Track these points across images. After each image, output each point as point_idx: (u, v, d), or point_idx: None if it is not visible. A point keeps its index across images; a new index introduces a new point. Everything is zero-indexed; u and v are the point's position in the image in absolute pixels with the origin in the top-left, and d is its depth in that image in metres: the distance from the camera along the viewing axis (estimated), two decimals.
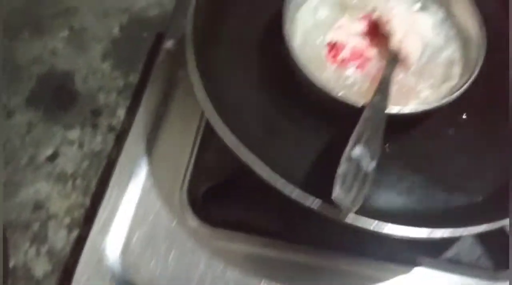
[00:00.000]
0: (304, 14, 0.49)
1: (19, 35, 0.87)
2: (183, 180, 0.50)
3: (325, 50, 0.48)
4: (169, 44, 0.59)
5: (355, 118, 0.41)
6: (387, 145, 0.44)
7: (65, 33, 0.88)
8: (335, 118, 0.45)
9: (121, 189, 0.50)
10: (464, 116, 0.46)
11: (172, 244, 0.47)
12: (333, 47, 0.48)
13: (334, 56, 0.47)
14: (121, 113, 0.81)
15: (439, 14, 0.50)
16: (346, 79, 0.46)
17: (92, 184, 0.75)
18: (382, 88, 0.42)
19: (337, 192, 0.34)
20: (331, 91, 0.42)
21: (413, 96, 0.45)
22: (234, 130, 0.39)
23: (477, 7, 0.46)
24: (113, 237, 0.49)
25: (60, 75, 0.84)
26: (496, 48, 0.46)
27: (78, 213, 0.72)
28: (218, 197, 0.49)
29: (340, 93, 0.43)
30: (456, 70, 0.46)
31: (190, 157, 0.51)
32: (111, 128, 0.79)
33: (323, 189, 0.38)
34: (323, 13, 0.50)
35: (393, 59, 0.46)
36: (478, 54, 0.45)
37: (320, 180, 0.39)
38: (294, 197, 0.38)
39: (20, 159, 0.76)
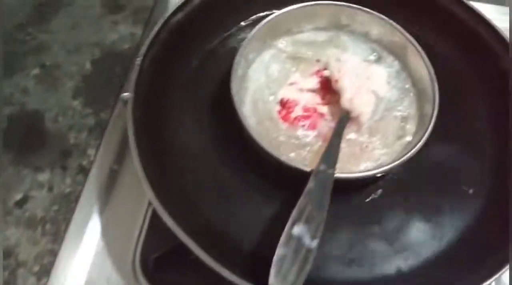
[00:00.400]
0: (257, 71, 0.47)
1: None
2: (136, 244, 0.48)
3: (276, 108, 0.46)
4: (125, 96, 0.57)
5: (305, 183, 0.39)
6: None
7: (36, 70, 0.87)
8: (286, 184, 0.43)
9: (74, 249, 0.49)
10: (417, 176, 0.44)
11: None
12: (285, 105, 0.46)
13: (286, 115, 0.46)
14: (91, 152, 0.79)
15: (395, 66, 0.48)
16: (297, 139, 0.44)
17: (61, 229, 0.74)
18: (329, 153, 0.41)
19: (272, 281, 0.33)
20: (279, 155, 0.40)
21: (365, 156, 0.43)
22: (173, 213, 0.38)
23: (428, 59, 0.44)
24: None
25: (31, 115, 0.83)
26: (451, 102, 0.44)
27: (48, 260, 0.71)
28: (171, 263, 0.47)
29: (289, 155, 0.41)
30: (411, 127, 0.44)
31: (144, 220, 0.49)
32: (81, 169, 0.78)
33: (262, 274, 0.36)
34: (275, 68, 0.48)
35: (344, 118, 0.44)
36: (432, 108, 0.43)
37: (260, 262, 0.38)
38: (234, 281, 0.36)
39: None
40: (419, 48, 0.46)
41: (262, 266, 0.41)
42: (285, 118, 0.45)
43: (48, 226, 0.74)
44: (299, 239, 0.34)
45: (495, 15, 0.60)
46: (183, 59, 0.50)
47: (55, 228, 0.74)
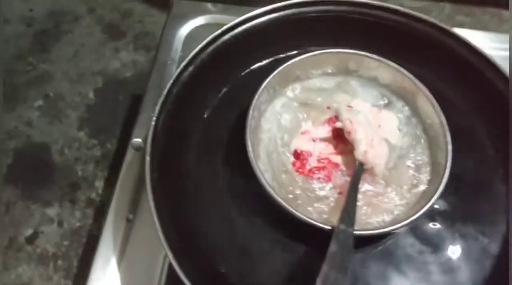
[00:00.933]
0: (268, 121, 0.48)
1: None
2: None
3: (291, 159, 0.47)
4: (136, 142, 0.57)
5: (327, 240, 0.40)
6: None
7: (39, 102, 0.87)
8: (304, 238, 0.44)
9: None
10: (434, 225, 0.45)
11: None
12: (299, 156, 0.47)
13: (301, 166, 0.46)
14: (99, 185, 0.80)
15: (405, 112, 0.49)
16: (314, 192, 0.45)
17: (73, 264, 0.74)
18: (348, 211, 0.41)
19: None
20: (299, 213, 0.41)
21: (381, 208, 0.44)
22: (190, 274, 0.38)
23: (438, 105, 0.45)
24: None
25: (37, 148, 0.83)
26: (463, 148, 0.45)
27: None
28: None
29: (307, 209, 0.42)
30: (424, 175, 0.45)
31: (162, 271, 0.50)
32: (89, 202, 0.79)
33: None
34: (287, 118, 0.48)
35: (359, 170, 0.45)
36: (445, 157, 0.43)
37: None
38: None
39: (0, 242, 0.76)
40: (429, 95, 0.46)
41: None
42: (300, 170, 0.46)
43: (60, 261, 0.75)
44: None
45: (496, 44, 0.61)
46: (195, 111, 0.50)
47: (67, 264, 0.74)
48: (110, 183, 0.80)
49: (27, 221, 0.77)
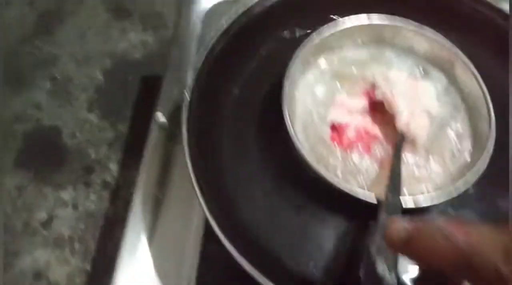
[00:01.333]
0: (302, 93, 0.47)
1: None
2: (189, 277, 0.48)
3: (328, 132, 0.46)
4: (160, 118, 0.56)
5: (369, 212, 0.39)
6: None
7: (47, 84, 0.85)
8: (344, 210, 0.43)
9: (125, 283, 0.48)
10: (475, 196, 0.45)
11: None
12: (336, 129, 0.46)
13: (339, 139, 0.45)
14: (113, 167, 0.78)
15: (442, 81, 0.48)
16: (353, 164, 0.44)
17: (90, 247, 0.73)
18: (394, 182, 0.41)
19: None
20: (342, 185, 0.40)
21: (424, 177, 0.43)
22: (238, 247, 0.37)
23: (478, 72, 0.44)
24: None
25: (47, 131, 0.81)
26: (504, 117, 0.44)
27: (80, 280, 0.71)
28: None
29: (349, 184, 0.41)
30: (466, 145, 0.45)
31: (195, 250, 0.49)
32: (105, 185, 0.77)
33: None
34: (321, 90, 0.47)
35: (401, 141, 0.44)
36: (488, 126, 0.43)
37: None
38: None
39: (14, 225, 0.74)
40: (469, 62, 0.45)
41: None
42: (338, 143, 0.45)
43: (76, 245, 0.73)
44: (382, 277, 0.34)
45: None
46: (228, 85, 0.49)
47: (84, 247, 0.73)
48: (125, 165, 0.79)
49: (40, 205, 0.76)
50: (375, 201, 0.39)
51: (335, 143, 0.45)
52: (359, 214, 0.42)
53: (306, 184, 0.44)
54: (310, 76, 0.48)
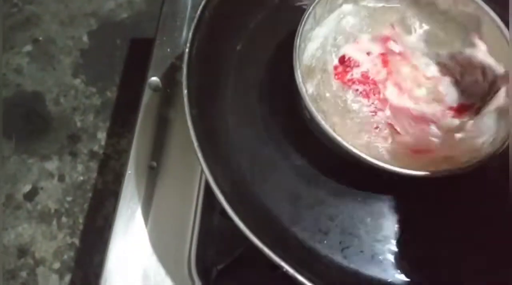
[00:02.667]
0: (326, 25, 0.42)
1: None
2: (190, 251, 0.44)
3: (334, 61, 0.41)
4: (154, 82, 0.51)
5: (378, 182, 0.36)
6: None
7: (28, 47, 0.79)
8: (356, 180, 0.39)
9: (119, 260, 0.44)
10: None
11: None
12: (344, 63, 0.41)
13: (342, 72, 0.41)
14: (101, 136, 0.74)
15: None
16: (344, 102, 0.40)
17: (79, 221, 0.69)
18: None
19: None
20: (358, 153, 0.36)
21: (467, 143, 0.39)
22: (245, 220, 0.33)
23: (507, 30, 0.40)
24: None
25: (29, 97, 0.76)
26: None
27: (68, 256, 0.67)
28: (233, 272, 0.44)
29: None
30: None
31: (194, 222, 0.45)
32: (92, 155, 0.72)
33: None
34: (350, 21, 0.43)
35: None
36: None
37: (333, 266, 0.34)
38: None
39: None
40: (498, 20, 0.41)
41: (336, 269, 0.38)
42: (339, 75, 0.41)
43: (64, 218, 0.69)
44: None
45: None
46: (230, 39, 0.44)
47: (72, 221, 0.69)
48: (114, 134, 0.74)
49: (24, 176, 0.71)
50: (393, 169, 0.36)
51: (336, 74, 0.41)
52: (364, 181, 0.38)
53: (315, 146, 0.39)
54: (346, 8, 0.43)
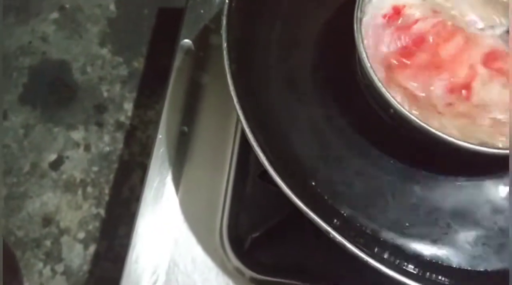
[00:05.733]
0: None
1: (3, 20, 0.76)
2: (222, 219, 0.42)
3: (387, 9, 0.38)
4: (186, 44, 0.49)
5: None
6: None
7: (54, 14, 0.78)
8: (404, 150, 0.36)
9: (149, 227, 0.43)
10: None
11: None
12: (399, 11, 0.38)
13: (392, 16, 0.37)
14: (128, 107, 0.72)
15: None
16: (383, 44, 0.36)
17: (105, 191, 0.68)
18: None
19: None
20: (421, 123, 0.33)
21: None
22: (288, 183, 0.31)
23: None
24: None
25: (55, 66, 0.74)
26: None
27: (93, 226, 0.66)
28: (268, 241, 0.42)
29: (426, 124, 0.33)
30: None
31: (226, 190, 0.43)
32: (119, 125, 0.71)
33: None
34: None
35: None
36: None
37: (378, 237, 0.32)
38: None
39: (21, 167, 0.69)
40: None
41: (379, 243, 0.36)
42: (389, 21, 0.37)
43: (89, 189, 0.68)
44: None
45: None
46: None
47: (98, 191, 0.68)
48: (140, 105, 0.73)
49: (49, 145, 0.70)
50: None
51: (384, 17, 0.38)
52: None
53: (364, 110, 0.37)
54: None
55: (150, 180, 0.44)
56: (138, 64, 0.75)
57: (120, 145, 0.70)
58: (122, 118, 0.72)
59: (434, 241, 0.34)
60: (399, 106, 0.32)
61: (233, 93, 0.33)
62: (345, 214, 0.34)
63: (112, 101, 0.72)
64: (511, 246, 0.34)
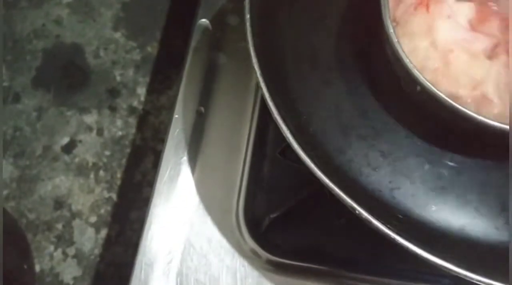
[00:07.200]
0: None
1: (17, 3, 0.76)
2: (238, 199, 0.42)
3: None
4: (203, 23, 0.48)
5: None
6: None
7: None
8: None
9: (164, 208, 0.42)
10: None
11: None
12: None
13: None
14: (141, 92, 0.72)
15: None
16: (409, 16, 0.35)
17: (117, 176, 0.67)
18: None
19: None
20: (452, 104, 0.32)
21: None
22: (314, 160, 0.30)
23: None
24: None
25: (68, 49, 0.74)
26: None
27: (105, 210, 0.66)
28: (285, 223, 0.41)
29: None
30: None
31: (243, 170, 0.42)
32: (131, 110, 0.71)
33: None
34: None
35: None
36: None
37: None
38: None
39: (33, 150, 0.68)
40: None
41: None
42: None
43: (101, 172, 0.68)
44: None
45: None
46: None
47: (110, 175, 0.67)
48: (153, 90, 0.72)
49: (62, 128, 0.70)
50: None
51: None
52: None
53: (397, 94, 0.36)
54: None
55: (165, 160, 0.44)
56: (152, 49, 0.75)
57: (133, 130, 0.69)
58: (135, 103, 0.71)
59: (462, 226, 0.33)
60: (427, 82, 0.31)
61: (256, 66, 0.32)
62: (370, 194, 0.33)
63: (125, 85, 0.72)
64: (511, 242, 0.33)
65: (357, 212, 0.29)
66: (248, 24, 0.33)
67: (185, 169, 0.44)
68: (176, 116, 0.45)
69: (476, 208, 0.34)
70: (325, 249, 0.40)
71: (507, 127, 0.31)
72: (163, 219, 0.42)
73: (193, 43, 0.48)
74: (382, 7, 0.33)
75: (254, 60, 0.32)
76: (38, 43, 0.74)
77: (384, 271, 0.40)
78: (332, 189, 0.29)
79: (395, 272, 0.39)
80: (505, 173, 0.34)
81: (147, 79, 0.73)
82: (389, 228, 0.28)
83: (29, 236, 0.64)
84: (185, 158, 0.44)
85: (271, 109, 0.32)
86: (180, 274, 0.40)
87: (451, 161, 0.35)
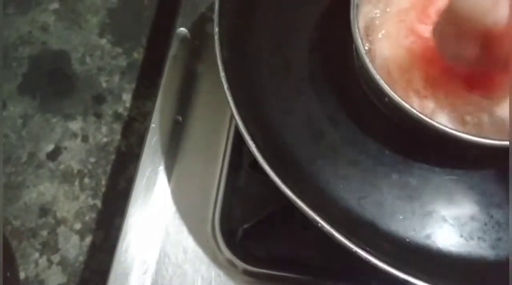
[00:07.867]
0: None
1: (3, 10, 0.76)
2: (214, 209, 0.42)
3: None
4: (182, 32, 0.48)
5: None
6: None
7: (55, 4, 0.77)
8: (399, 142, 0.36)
9: (140, 217, 0.42)
10: None
11: None
12: None
13: None
14: (126, 98, 0.72)
15: None
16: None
17: (101, 182, 0.67)
18: None
19: None
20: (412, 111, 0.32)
21: None
22: (279, 174, 0.30)
23: None
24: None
25: (54, 56, 0.74)
26: None
27: (90, 217, 0.66)
28: (260, 233, 0.41)
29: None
30: None
31: (219, 180, 0.42)
32: (117, 116, 0.71)
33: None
34: None
35: None
36: None
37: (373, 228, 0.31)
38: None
39: (18, 157, 0.68)
40: None
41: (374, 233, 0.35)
42: None
43: (86, 179, 0.68)
44: None
45: None
46: None
47: (95, 182, 0.67)
48: (139, 96, 0.72)
49: (47, 135, 0.70)
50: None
51: None
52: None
53: (360, 100, 0.36)
54: None
55: (142, 169, 0.44)
56: (138, 55, 0.75)
57: (118, 136, 0.69)
58: (120, 109, 0.71)
59: (428, 235, 0.34)
60: (393, 94, 0.31)
61: (223, 79, 0.32)
62: (337, 203, 0.33)
63: (110, 92, 0.72)
64: (511, 242, 0.33)
65: (319, 225, 0.29)
66: (216, 37, 0.33)
67: (162, 178, 0.44)
68: (153, 125, 0.45)
69: (443, 217, 0.34)
70: (300, 258, 0.40)
71: (475, 138, 0.31)
72: (139, 228, 0.42)
73: (171, 52, 0.48)
74: (352, 19, 0.33)
75: (222, 73, 0.32)
76: (24, 50, 0.74)
77: (360, 280, 0.40)
78: (295, 202, 0.29)
79: (370, 281, 0.39)
80: (473, 182, 0.34)
81: (133, 86, 0.73)
82: (352, 242, 0.28)
83: (14, 243, 0.64)
84: (161, 167, 0.44)
85: (237, 122, 0.32)
86: (155, 284, 0.40)
87: (419, 170, 0.35)
